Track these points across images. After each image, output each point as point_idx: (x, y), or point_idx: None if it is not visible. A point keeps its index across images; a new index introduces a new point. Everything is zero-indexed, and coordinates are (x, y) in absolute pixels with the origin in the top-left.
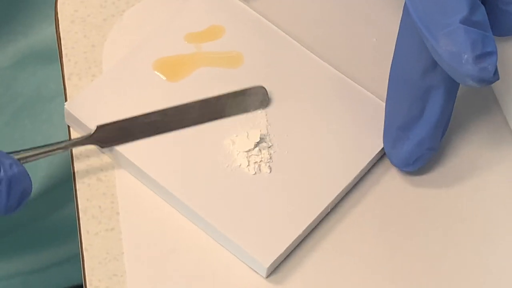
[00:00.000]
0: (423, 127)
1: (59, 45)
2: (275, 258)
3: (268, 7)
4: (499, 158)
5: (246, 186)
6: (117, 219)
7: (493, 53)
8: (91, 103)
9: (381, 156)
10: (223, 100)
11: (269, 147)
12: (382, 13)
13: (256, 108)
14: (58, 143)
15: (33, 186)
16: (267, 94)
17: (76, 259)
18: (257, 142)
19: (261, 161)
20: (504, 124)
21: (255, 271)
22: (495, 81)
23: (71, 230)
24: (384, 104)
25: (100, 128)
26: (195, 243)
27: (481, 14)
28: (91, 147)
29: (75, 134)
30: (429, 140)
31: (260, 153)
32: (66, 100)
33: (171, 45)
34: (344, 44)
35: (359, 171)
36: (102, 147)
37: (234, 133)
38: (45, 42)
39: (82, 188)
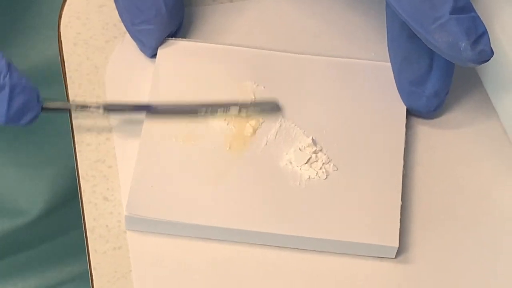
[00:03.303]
0: (436, 79)
1: (63, 68)
2: (397, 236)
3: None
4: (496, 159)
5: (325, 191)
6: (124, 238)
7: (484, 33)
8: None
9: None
10: (238, 105)
11: (321, 150)
12: (380, 28)
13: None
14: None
15: (37, 207)
16: (278, 105)
17: (81, 279)
18: (312, 150)
19: (323, 164)
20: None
21: (380, 258)
22: (492, 56)
23: (75, 251)
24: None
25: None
26: (206, 261)
27: None
28: (98, 168)
29: (81, 151)
30: (445, 87)
31: (317, 158)
32: (71, 122)
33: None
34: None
35: (404, 130)
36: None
37: (283, 152)
38: (46, 64)
39: (89, 207)
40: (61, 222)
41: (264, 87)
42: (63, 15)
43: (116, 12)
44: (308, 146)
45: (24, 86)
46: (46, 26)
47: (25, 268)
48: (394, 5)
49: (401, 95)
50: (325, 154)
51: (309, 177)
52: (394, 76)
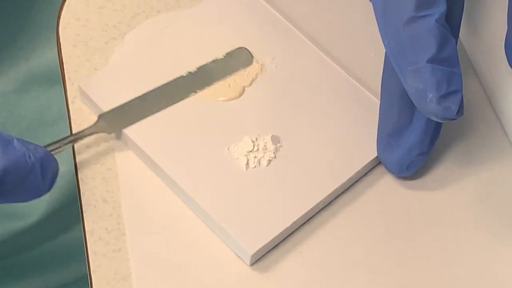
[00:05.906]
0: (412, 134)
1: (62, 69)
2: (260, 246)
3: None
4: (496, 160)
5: (242, 178)
6: (123, 240)
7: (457, 91)
8: (105, 85)
9: (379, 160)
10: (208, 68)
11: (279, 145)
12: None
13: (240, 68)
14: (64, 138)
15: (38, 210)
16: (250, 53)
17: (81, 282)
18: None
19: (262, 157)
20: (499, 126)
21: (241, 259)
22: (458, 118)
23: (76, 253)
24: None
25: (102, 116)
26: (205, 262)
27: (450, 49)
28: (97, 170)
29: (79, 153)
30: (419, 146)
31: (264, 151)
32: (70, 125)
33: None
34: (344, 59)
35: (354, 172)
36: (108, 133)
37: (255, 133)
38: (47, 66)
39: (89, 210)
40: (62, 224)
41: (276, 66)
42: (62, 17)
43: (116, 13)
44: (262, 142)
45: (48, 158)
46: (46, 28)
47: (27, 271)
48: (383, 37)
49: (377, 146)
50: (274, 150)
51: (238, 158)
52: (378, 126)
